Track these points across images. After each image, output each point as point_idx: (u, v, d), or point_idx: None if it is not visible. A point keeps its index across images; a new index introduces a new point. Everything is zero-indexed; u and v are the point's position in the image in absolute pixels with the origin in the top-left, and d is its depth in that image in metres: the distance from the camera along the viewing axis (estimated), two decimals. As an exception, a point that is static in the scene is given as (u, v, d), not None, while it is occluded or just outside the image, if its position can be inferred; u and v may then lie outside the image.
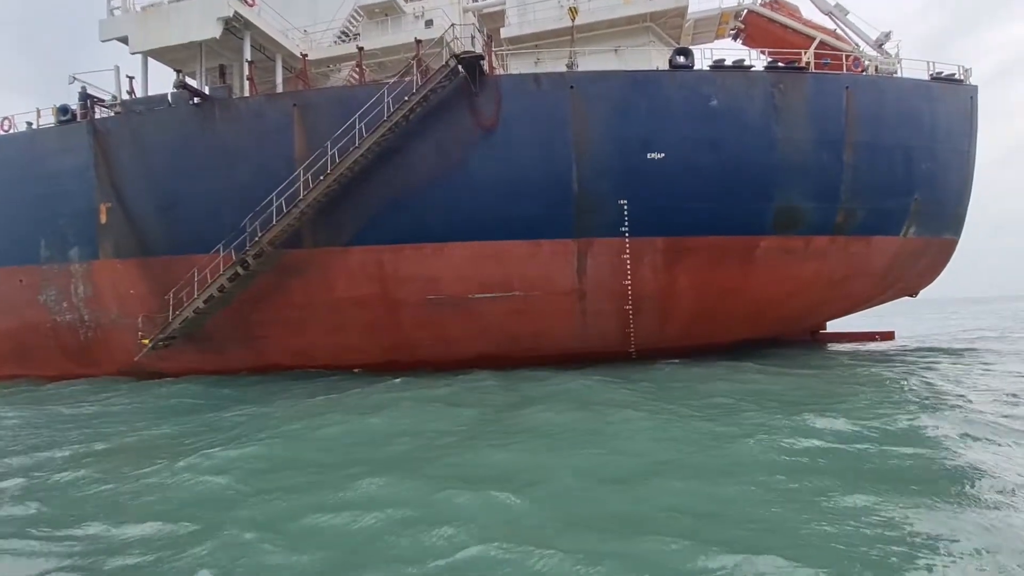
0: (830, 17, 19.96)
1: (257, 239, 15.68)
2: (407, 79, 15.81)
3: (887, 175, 16.71)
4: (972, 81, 18.38)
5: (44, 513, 6.22)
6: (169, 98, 17.27)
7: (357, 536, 5.20)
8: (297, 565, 4.67)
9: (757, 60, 17.27)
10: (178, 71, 17.50)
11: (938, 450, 7.07)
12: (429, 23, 19.58)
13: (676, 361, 16.39)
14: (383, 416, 10.31)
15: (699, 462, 6.97)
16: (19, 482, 7.41)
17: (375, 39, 19.90)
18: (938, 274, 20.16)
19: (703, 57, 16.45)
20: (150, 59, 19.26)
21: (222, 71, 18.91)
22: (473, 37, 17.84)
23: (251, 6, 18.31)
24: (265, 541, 5.07)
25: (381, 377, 15.27)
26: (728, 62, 16.35)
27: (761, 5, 20.56)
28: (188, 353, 17.28)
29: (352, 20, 21.02)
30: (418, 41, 16.80)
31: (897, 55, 18.65)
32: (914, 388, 11.55)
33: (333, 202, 15.92)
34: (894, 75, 17.92)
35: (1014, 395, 10.72)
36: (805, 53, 17.77)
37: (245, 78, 17.76)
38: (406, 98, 15.36)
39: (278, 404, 12.33)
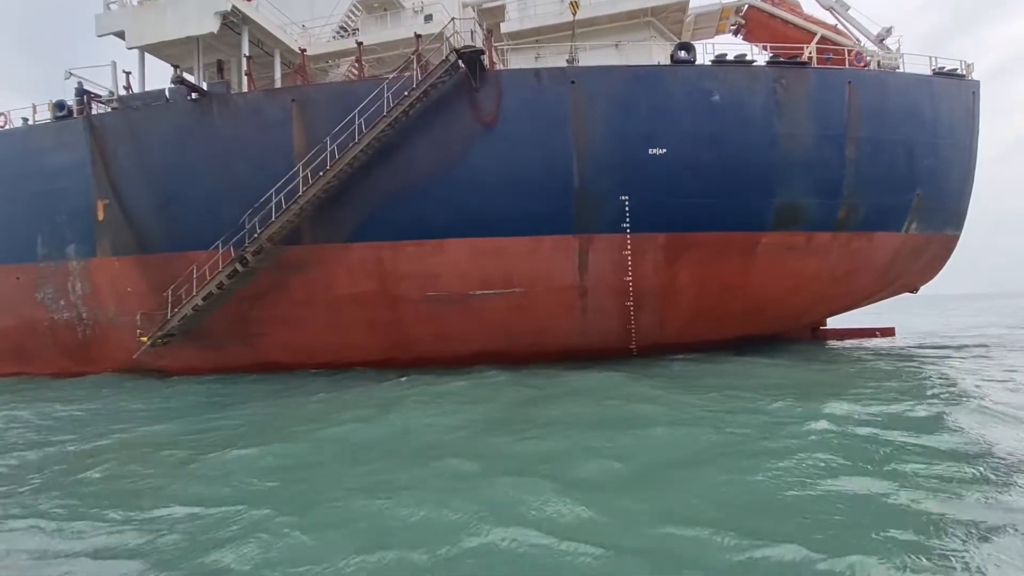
0: (831, 12, 19.88)
1: (256, 236, 15.56)
2: (407, 74, 15.68)
3: (889, 171, 16.66)
4: (974, 76, 18.33)
5: (56, 511, 6.15)
6: (167, 94, 17.11)
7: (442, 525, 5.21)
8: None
9: (759, 55, 17.15)
10: (176, 66, 17.35)
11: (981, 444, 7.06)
12: (428, 18, 19.43)
13: (680, 357, 16.30)
14: (432, 410, 10.22)
15: (758, 448, 7.01)
16: (34, 477, 7.38)
17: (374, 34, 19.80)
18: (939, 270, 20.14)
19: (704, 52, 16.34)
20: (147, 54, 19.11)
21: (220, 66, 18.71)
22: (473, 32, 17.68)
23: (249, 1, 18.14)
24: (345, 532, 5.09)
25: (384, 374, 15.10)
26: (730, 57, 16.26)
27: (762, 0, 20.47)
28: (187, 351, 17.16)
29: (351, 15, 20.84)
30: (418, 36, 16.68)
31: (899, 50, 18.58)
32: (937, 381, 11.58)
33: (332, 198, 15.80)
34: (896, 70, 17.86)
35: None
36: (807, 48, 17.68)
37: (243, 73, 17.58)
38: (406, 93, 15.24)
39: (289, 402, 12.26)
